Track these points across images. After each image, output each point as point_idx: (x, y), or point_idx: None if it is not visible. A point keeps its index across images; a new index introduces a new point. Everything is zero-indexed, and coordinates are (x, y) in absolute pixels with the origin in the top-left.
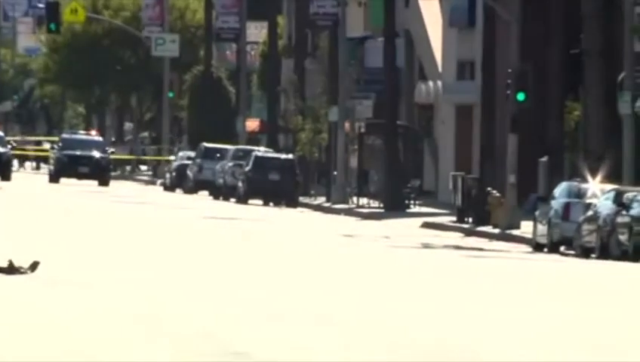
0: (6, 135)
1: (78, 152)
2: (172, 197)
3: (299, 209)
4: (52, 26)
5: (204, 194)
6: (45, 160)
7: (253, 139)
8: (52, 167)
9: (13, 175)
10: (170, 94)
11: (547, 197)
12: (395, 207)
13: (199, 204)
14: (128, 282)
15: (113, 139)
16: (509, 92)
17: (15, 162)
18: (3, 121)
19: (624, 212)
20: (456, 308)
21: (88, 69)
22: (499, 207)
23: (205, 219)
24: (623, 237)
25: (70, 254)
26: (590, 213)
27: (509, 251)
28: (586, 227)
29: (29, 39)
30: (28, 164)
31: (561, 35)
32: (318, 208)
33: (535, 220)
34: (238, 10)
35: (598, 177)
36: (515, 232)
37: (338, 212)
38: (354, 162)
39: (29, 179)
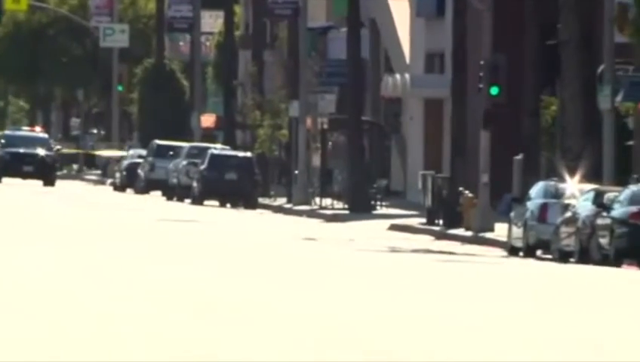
0: None
1: (21, 150)
2: (122, 198)
3: (258, 210)
4: None
5: (156, 195)
6: None
7: (208, 135)
8: None
9: None
10: (120, 88)
11: (522, 197)
12: (360, 209)
13: (151, 205)
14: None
15: (59, 135)
16: (481, 86)
17: None
18: None
19: (604, 213)
20: (407, 313)
21: (32, 61)
22: (471, 208)
23: (158, 222)
24: (603, 241)
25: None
26: (568, 214)
27: (483, 255)
28: (564, 229)
29: None
30: None
31: (537, 26)
32: (278, 210)
33: (510, 222)
34: None
35: (577, 176)
36: (488, 235)
37: (300, 213)
38: (316, 160)
39: None
